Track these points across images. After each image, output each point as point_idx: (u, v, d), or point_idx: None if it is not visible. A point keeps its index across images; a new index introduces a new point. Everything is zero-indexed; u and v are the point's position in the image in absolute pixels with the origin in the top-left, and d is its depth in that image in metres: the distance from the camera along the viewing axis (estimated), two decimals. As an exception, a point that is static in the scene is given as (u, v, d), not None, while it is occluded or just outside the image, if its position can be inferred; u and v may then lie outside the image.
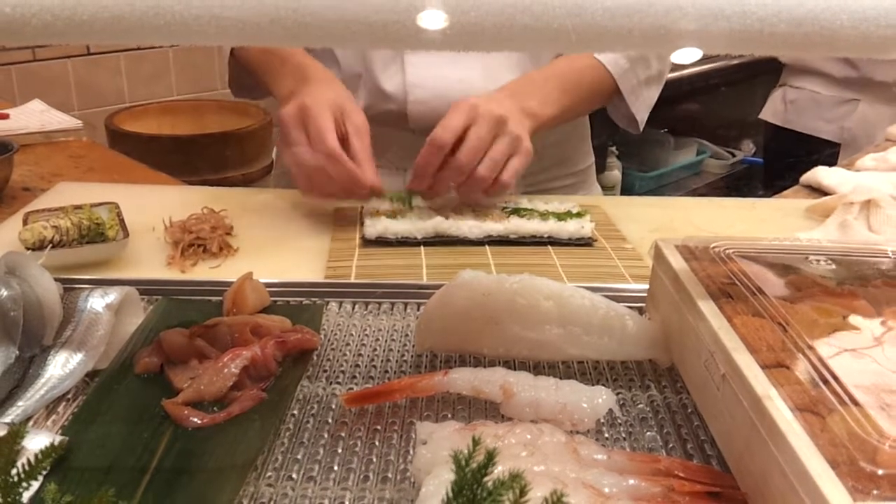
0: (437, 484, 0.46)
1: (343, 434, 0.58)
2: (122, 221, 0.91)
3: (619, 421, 0.60)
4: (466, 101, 0.96)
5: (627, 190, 3.11)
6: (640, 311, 0.73)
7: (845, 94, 2.02)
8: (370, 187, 0.95)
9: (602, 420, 0.59)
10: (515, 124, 0.97)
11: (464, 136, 0.94)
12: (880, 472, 0.41)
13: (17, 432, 0.43)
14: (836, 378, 0.49)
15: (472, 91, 1.09)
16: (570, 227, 0.96)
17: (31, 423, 0.59)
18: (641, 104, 1.15)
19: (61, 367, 0.63)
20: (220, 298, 0.75)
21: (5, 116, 1.50)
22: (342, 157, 0.92)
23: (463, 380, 0.60)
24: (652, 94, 1.16)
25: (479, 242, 0.95)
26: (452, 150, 0.95)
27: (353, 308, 0.77)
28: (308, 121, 0.94)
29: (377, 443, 0.57)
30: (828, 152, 1.99)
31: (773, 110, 2.18)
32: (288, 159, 0.97)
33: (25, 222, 0.89)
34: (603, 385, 0.61)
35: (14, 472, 0.42)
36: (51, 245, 0.84)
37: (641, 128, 1.18)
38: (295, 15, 0.44)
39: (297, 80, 1.02)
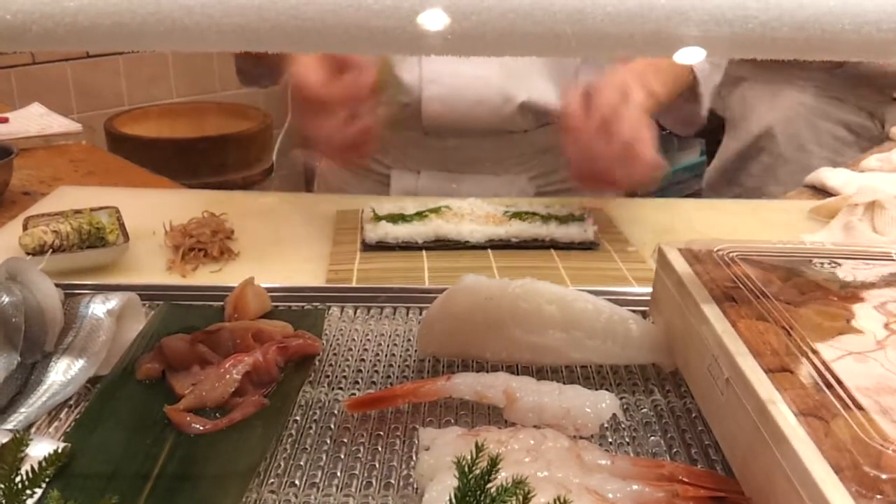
0: (441, 490, 0.46)
1: (346, 440, 0.58)
2: (122, 226, 0.91)
3: (623, 426, 0.60)
4: (593, 88, 0.92)
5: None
6: (644, 314, 0.73)
7: (736, 72, 1.80)
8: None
9: (606, 425, 0.59)
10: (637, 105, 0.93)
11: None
12: (884, 476, 0.41)
13: (21, 440, 0.43)
14: (839, 382, 0.49)
15: (487, 88, 1.08)
16: (573, 231, 0.96)
17: (33, 429, 0.59)
18: (707, 105, 1.14)
19: (63, 373, 0.63)
20: (222, 304, 0.75)
21: (5, 120, 1.51)
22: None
23: (466, 385, 0.60)
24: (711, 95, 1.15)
25: (481, 246, 0.95)
26: None
27: (355, 313, 0.77)
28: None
29: (380, 448, 0.57)
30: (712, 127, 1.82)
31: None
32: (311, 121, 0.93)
33: (25, 227, 0.89)
34: (606, 390, 0.61)
35: (18, 479, 0.42)
36: (51, 250, 0.84)
37: (702, 121, 1.16)
38: (296, 21, 0.44)
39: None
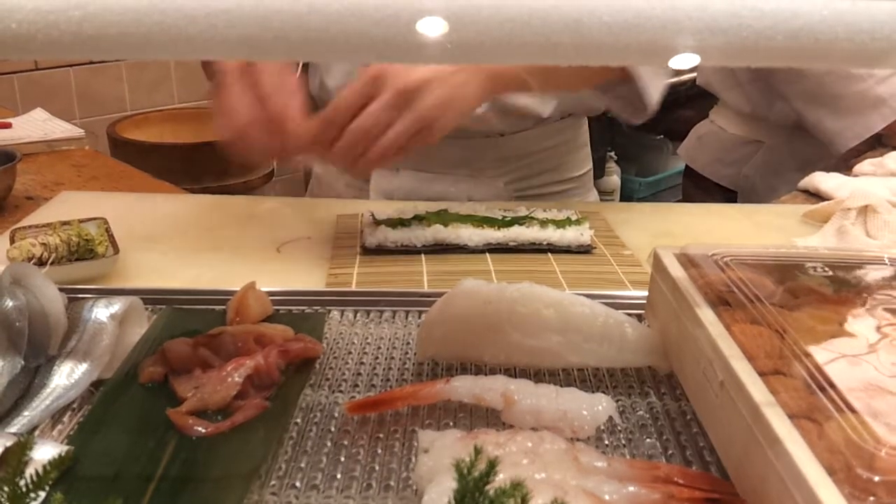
0: (440, 492, 0.47)
1: (346, 442, 0.58)
2: (111, 237, 0.89)
3: (619, 428, 0.61)
4: (369, 69, 0.84)
5: (626, 195, 3.12)
6: (640, 317, 0.74)
7: (748, 134, 1.65)
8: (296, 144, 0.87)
9: (602, 427, 0.59)
10: (439, 86, 0.82)
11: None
12: (877, 478, 0.42)
13: (25, 443, 0.43)
14: (832, 385, 0.49)
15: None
16: (570, 235, 0.96)
17: (36, 432, 0.59)
18: (653, 84, 1.03)
19: (66, 376, 0.64)
20: (223, 308, 0.75)
21: (8, 125, 1.51)
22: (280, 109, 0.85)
23: (464, 388, 0.60)
24: (662, 79, 1.06)
25: (479, 250, 0.96)
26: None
27: (355, 316, 0.77)
28: (254, 75, 0.86)
29: (379, 451, 0.57)
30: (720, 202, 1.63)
31: (686, 146, 1.80)
32: (222, 105, 0.88)
33: (13, 240, 0.88)
34: (603, 392, 0.62)
35: (22, 482, 0.43)
36: (40, 263, 0.82)
37: (653, 111, 1.06)
38: (298, 31, 0.44)
39: None
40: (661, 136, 3.21)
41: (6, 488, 0.42)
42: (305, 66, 1.12)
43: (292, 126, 0.85)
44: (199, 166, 2.13)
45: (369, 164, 0.86)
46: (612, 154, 3.01)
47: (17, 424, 0.59)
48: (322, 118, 0.85)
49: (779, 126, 1.58)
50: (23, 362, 0.65)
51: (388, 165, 0.91)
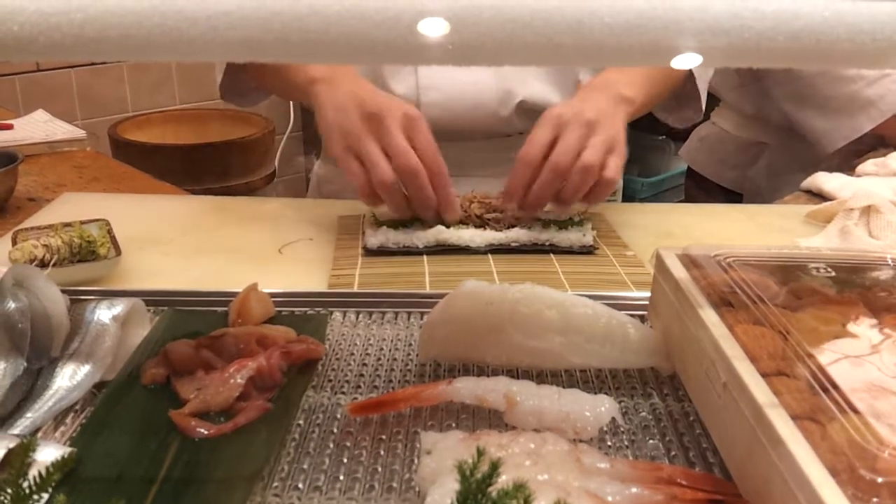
0: (442, 493, 0.47)
1: (348, 444, 0.58)
2: (113, 238, 0.89)
3: (622, 429, 0.61)
4: (551, 111, 0.93)
5: (628, 195, 3.12)
6: (642, 318, 0.74)
7: (751, 135, 1.65)
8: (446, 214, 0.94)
9: (605, 428, 0.59)
10: (608, 121, 0.93)
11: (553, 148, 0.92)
12: (880, 479, 0.42)
13: (28, 445, 0.43)
14: (835, 386, 0.49)
15: (485, 94, 1.09)
16: (572, 235, 0.96)
17: (39, 434, 0.59)
18: (704, 91, 1.13)
19: (69, 378, 0.64)
20: (226, 309, 0.75)
21: (10, 127, 1.51)
22: (425, 178, 0.91)
23: (466, 389, 0.60)
24: (707, 83, 1.14)
25: (481, 251, 0.96)
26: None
27: (357, 318, 0.77)
28: (382, 132, 0.91)
29: (382, 452, 0.57)
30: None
31: (688, 147, 1.80)
32: (352, 167, 0.93)
33: (15, 241, 0.88)
34: (605, 393, 0.62)
35: (25, 484, 0.43)
36: (42, 264, 0.82)
37: (700, 116, 1.15)
38: (299, 33, 0.45)
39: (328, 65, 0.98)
40: (664, 137, 3.21)
41: (9, 490, 0.42)
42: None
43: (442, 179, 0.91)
44: (200, 167, 2.13)
45: (573, 189, 0.92)
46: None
47: (20, 426, 0.60)
48: (518, 165, 0.93)
49: (781, 127, 1.58)
50: (25, 364, 0.65)
51: (597, 193, 0.95)
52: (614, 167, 0.93)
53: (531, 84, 1.16)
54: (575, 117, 0.92)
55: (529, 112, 1.15)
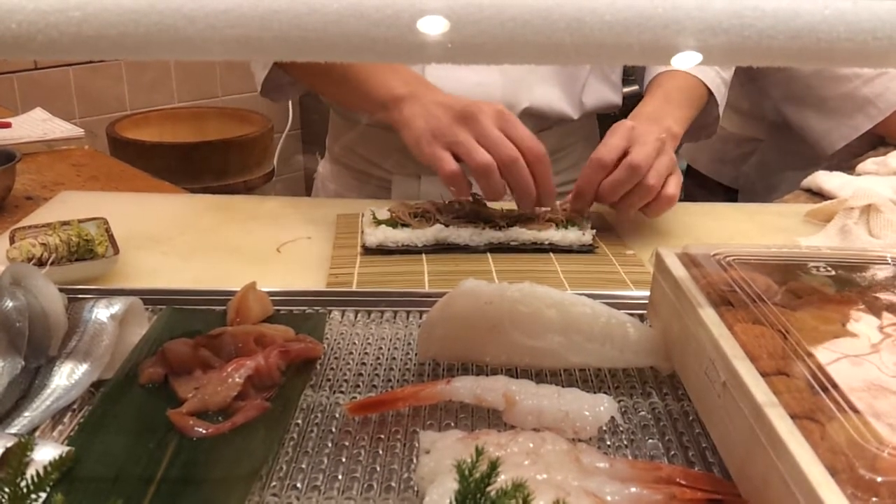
0: (441, 493, 0.47)
1: (347, 443, 0.58)
2: (111, 237, 0.89)
3: (621, 429, 0.61)
4: (624, 123, 0.98)
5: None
6: (642, 318, 0.73)
7: (747, 131, 1.67)
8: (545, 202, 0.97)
9: (604, 428, 0.59)
10: (669, 146, 0.99)
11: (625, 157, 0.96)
12: (879, 479, 0.42)
13: (26, 444, 0.43)
14: (835, 385, 0.49)
15: (490, 94, 1.08)
16: (571, 234, 0.96)
17: (37, 433, 0.59)
18: (722, 102, 1.18)
19: (67, 377, 0.64)
20: (224, 308, 0.75)
21: (7, 125, 1.51)
22: (524, 166, 0.93)
23: (465, 388, 0.60)
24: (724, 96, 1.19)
25: (480, 250, 0.96)
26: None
27: (356, 317, 0.77)
28: (476, 127, 0.93)
29: (381, 452, 0.57)
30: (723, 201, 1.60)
31: (687, 146, 1.80)
32: (444, 156, 0.94)
33: (12, 240, 0.88)
34: (605, 393, 0.62)
35: (23, 483, 0.42)
36: (40, 263, 0.82)
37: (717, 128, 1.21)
38: (298, 31, 0.44)
39: (411, 82, 1.00)
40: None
41: (7, 489, 0.42)
42: None
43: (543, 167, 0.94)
44: (198, 166, 2.13)
45: (643, 193, 0.96)
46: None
47: (18, 425, 0.59)
48: (592, 165, 0.96)
49: (776, 124, 1.59)
50: (23, 363, 0.65)
51: (659, 206, 0.99)
52: (675, 186, 0.98)
53: (537, 88, 1.16)
54: (647, 132, 0.97)
55: (535, 118, 1.15)
